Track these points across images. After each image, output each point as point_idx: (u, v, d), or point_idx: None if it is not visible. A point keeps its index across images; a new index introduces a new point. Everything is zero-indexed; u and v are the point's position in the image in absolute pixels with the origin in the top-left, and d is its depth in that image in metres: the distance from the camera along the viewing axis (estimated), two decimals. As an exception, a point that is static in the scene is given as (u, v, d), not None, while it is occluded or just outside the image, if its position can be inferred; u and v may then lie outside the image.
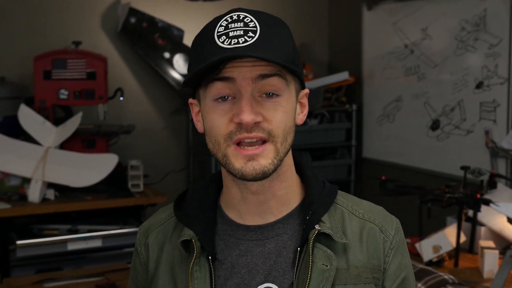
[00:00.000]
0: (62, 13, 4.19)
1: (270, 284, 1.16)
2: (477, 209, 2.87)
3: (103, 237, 3.54)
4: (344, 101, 4.63)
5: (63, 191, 3.65)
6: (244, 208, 1.20)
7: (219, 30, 1.10)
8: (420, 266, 1.84)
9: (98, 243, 3.53)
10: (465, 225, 3.05)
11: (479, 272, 2.80)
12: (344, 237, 1.18)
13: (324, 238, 1.17)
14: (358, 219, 1.22)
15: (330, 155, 4.68)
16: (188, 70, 1.18)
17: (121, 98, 4.04)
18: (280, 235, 1.19)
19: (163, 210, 1.31)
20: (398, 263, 1.21)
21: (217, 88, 1.11)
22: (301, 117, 1.20)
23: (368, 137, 4.62)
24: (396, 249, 1.21)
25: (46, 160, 3.53)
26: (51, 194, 3.59)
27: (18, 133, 3.66)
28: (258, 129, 1.09)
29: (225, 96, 1.11)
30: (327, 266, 1.14)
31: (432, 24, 4.02)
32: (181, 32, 4.49)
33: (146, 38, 4.34)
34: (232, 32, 1.09)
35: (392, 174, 4.00)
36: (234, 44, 1.07)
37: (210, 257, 1.18)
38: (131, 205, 3.73)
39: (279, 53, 1.09)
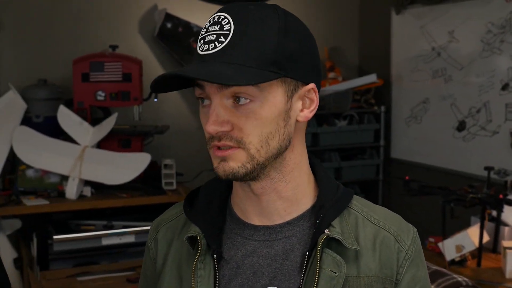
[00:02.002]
0: (101, 18, 4.18)
1: None
2: (499, 209, 2.75)
3: (136, 233, 3.50)
4: (373, 102, 4.52)
5: (99, 188, 3.62)
6: (248, 208, 1.12)
7: (202, 33, 1.04)
8: (434, 267, 1.74)
9: (131, 239, 3.50)
10: (489, 225, 2.93)
11: (501, 272, 2.69)
12: (356, 243, 1.08)
13: (335, 243, 1.07)
14: (372, 225, 1.12)
15: (359, 155, 4.58)
16: None
17: (156, 100, 4.00)
18: (289, 238, 1.10)
19: (175, 206, 1.25)
20: (412, 275, 1.10)
21: (197, 92, 1.06)
22: (305, 114, 1.08)
23: (396, 137, 4.50)
24: (411, 260, 1.11)
25: (83, 158, 3.51)
26: (87, 191, 3.57)
27: (57, 133, 3.65)
28: (226, 137, 1.02)
29: (203, 99, 1.06)
30: (335, 273, 1.05)
31: (459, 27, 3.89)
32: (215, 36, 4.43)
33: (182, 42, 4.30)
34: (208, 36, 1.02)
35: (419, 174, 3.89)
36: (205, 50, 1.01)
37: (215, 256, 1.10)
38: (164, 202, 3.68)
39: (251, 56, 1.00)
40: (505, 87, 3.58)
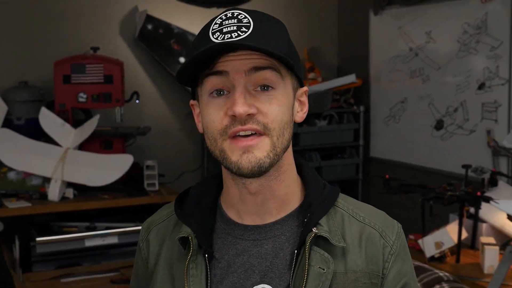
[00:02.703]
0: (81, 20, 4.17)
1: (265, 285, 1.10)
2: (477, 207, 2.79)
3: (119, 234, 3.50)
4: (352, 102, 4.56)
5: (81, 190, 3.61)
6: (243, 208, 1.13)
7: (213, 27, 1.05)
8: (416, 263, 1.77)
9: (114, 240, 3.50)
10: (467, 221, 2.97)
11: (480, 267, 2.73)
12: (343, 240, 1.10)
13: (322, 241, 1.09)
14: (358, 222, 1.14)
15: (339, 155, 4.61)
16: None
17: (137, 101, 4.00)
18: (278, 236, 1.12)
19: (166, 207, 1.26)
20: (398, 269, 1.13)
21: (212, 82, 1.05)
22: (300, 115, 1.13)
23: (375, 137, 4.54)
24: (396, 254, 1.13)
25: (65, 160, 3.50)
26: (70, 193, 3.56)
27: (39, 134, 3.64)
28: (252, 121, 1.03)
29: (220, 91, 1.05)
30: (324, 269, 1.07)
31: (436, 28, 3.94)
32: (195, 38, 4.44)
33: (162, 44, 4.30)
34: (226, 28, 1.04)
35: (398, 173, 3.92)
36: (227, 39, 1.02)
37: (206, 255, 1.11)
38: (146, 203, 3.68)
39: (272, 46, 1.03)
40: (481, 86, 3.64)
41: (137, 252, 1.26)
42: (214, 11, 4.54)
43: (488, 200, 2.72)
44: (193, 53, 1.04)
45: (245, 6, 4.61)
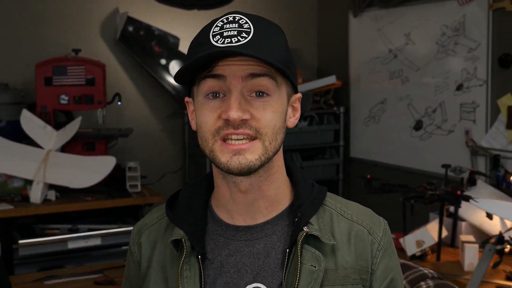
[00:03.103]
0: (62, 22, 4.15)
1: (259, 284, 1.12)
2: (457, 205, 2.84)
3: (102, 235, 3.50)
4: (332, 103, 4.60)
5: (63, 192, 3.60)
6: (233, 208, 1.15)
7: (214, 30, 1.07)
8: (401, 261, 1.80)
9: (97, 242, 3.50)
10: (447, 220, 3.02)
11: (460, 265, 2.77)
12: (333, 238, 1.13)
13: (313, 239, 1.12)
14: (346, 220, 1.17)
15: (319, 155, 4.65)
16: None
17: (119, 103, 4.00)
18: (269, 236, 1.14)
19: (156, 210, 1.27)
20: (385, 264, 1.16)
21: (208, 85, 1.07)
22: (292, 121, 1.15)
23: (355, 137, 4.59)
24: (384, 250, 1.16)
25: (47, 162, 3.49)
26: (52, 195, 3.55)
27: (20, 137, 3.62)
28: (245, 126, 1.05)
29: (216, 94, 1.07)
30: (315, 267, 1.10)
31: (415, 30, 3.99)
32: (176, 39, 4.45)
33: (143, 46, 4.31)
34: (226, 32, 1.05)
35: (378, 173, 3.97)
36: (227, 43, 1.04)
37: (199, 257, 1.13)
38: (129, 205, 3.69)
39: (271, 54, 1.05)
40: (459, 87, 3.70)
41: (129, 256, 1.27)
42: (194, 13, 4.55)
43: (467, 199, 2.77)
44: (193, 55, 1.06)
45: (226, 7, 4.63)
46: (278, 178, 1.15)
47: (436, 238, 2.87)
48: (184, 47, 4.46)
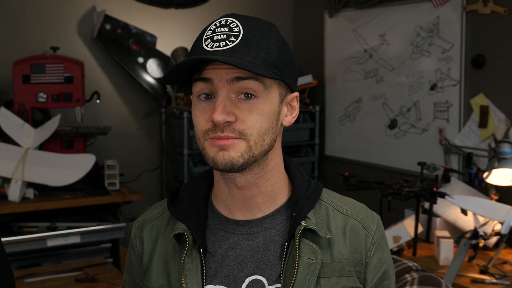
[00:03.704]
0: (40, 20, 4.14)
1: (258, 276, 1.16)
2: (433, 202, 2.91)
3: (81, 233, 3.51)
4: (308, 102, 4.66)
5: (42, 190, 3.60)
6: (232, 203, 1.19)
7: (207, 34, 1.11)
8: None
9: (77, 239, 3.50)
10: (422, 216, 3.10)
11: (435, 260, 2.85)
12: (329, 232, 1.18)
13: (310, 233, 1.17)
14: (342, 215, 1.22)
15: (295, 153, 4.71)
16: None
17: (98, 101, 4.00)
18: (268, 230, 1.19)
19: (157, 205, 1.31)
20: (379, 257, 1.21)
21: (199, 87, 1.12)
22: (289, 119, 1.19)
23: (331, 136, 4.65)
24: (377, 244, 1.22)
25: (25, 160, 3.48)
26: (30, 193, 3.54)
27: (-2, 135, 3.61)
28: (229, 128, 1.09)
29: (207, 95, 1.12)
30: (312, 259, 1.14)
31: (389, 31, 4.07)
32: (154, 38, 4.47)
33: (121, 44, 4.31)
34: (217, 36, 1.10)
35: (353, 171, 4.04)
36: (215, 47, 1.09)
37: (201, 250, 1.18)
38: (108, 202, 3.70)
39: (258, 58, 1.09)
40: (433, 87, 3.78)
41: (130, 250, 1.30)
42: (171, 12, 4.57)
43: (443, 195, 2.85)
44: (189, 57, 1.11)
45: (203, 6, 4.66)
46: (275, 175, 1.19)
47: (412, 234, 2.94)
48: (161, 46, 4.48)
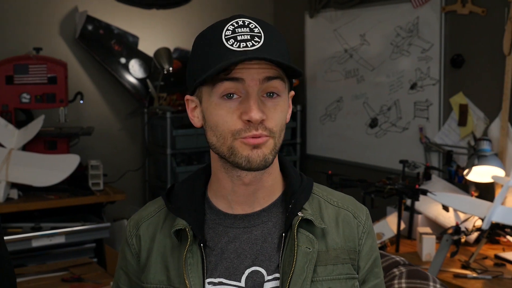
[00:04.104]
0: (22, 20, 4.12)
1: (257, 268, 1.20)
2: (415, 199, 2.97)
3: (66, 233, 3.50)
4: (289, 102, 4.68)
5: (26, 190, 3.60)
6: (234, 198, 1.23)
7: (226, 33, 1.13)
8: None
9: (61, 240, 3.50)
10: (404, 214, 3.14)
11: (418, 256, 2.90)
12: (323, 222, 1.23)
13: (306, 224, 1.21)
14: (333, 207, 1.27)
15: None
16: (193, 67, 1.19)
17: (81, 101, 4.00)
18: (265, 223, 1.23)
19: (152, 204, 1.33)
20: (370, 245, 1.27)
21: (226, 86, 1.13)
22: (288, 117, 1.24)
23: (312, 135, 4.70)
24: (367, 232, 1.27)
25: (9, 161, 3.47)
26: (14, 193, 3.53)
27: (-19, 136, 3.59)
28: (262, 127, 1.13)
29: (231, 95, 1.14)
30: (310, 248, 1.19)
31: (370, 31, 4.12)
32: (136, 38, 4.47)
33: (103, 45, 4.31)
34: (240, 36, 1.13)
35: (335, 169, 4.07)
36: (243, 47, 1.11)
37: (201, 245, 1.21)
38: (92, 202, 3.70)
39: (282, 57, 1.14)
40: (413, 86, 3.84)
41: (125, 248, 1.32)
42: (153, 12, 4.58)
43: (425, 192, 2.90)
44: (209, 57, 1.13)
45: (185, 7, 4.68)
46: (275, 170, 1.25)
47: (395, 231, 2.99)
48: (143, 46, 4.49)
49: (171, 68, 4.29)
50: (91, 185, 3.79)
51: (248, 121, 1.12)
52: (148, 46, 4.49)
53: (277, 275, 1.19)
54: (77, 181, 3.82)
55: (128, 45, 4.42)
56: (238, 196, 1.22)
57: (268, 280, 1.19)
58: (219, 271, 1.20)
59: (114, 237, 3.81)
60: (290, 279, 1.16)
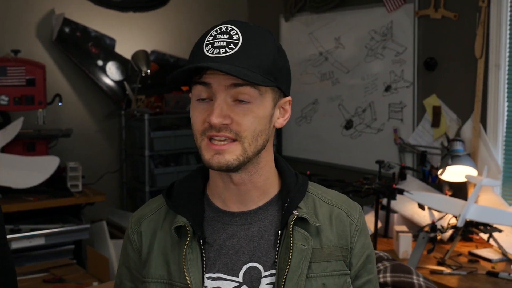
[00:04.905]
0: (-1, 23, 4.11)
1: (254, 264, 1.25)
2: (392, 198, 3.03)
3: (46, 235, 3.50)
4: (265, 104, 4.73)
5: (5, 192, 3.58)
6: (227, 197, 1.27)
7: (208, 39, 1.19)
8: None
9: (41, 241, 3.50)
10: (380, 213, 3.21)
11: (395, 253, 2.97)
12: (317, 220, 1.27)
13: (301, 222, 1.25)
14: (327, 205, 1.32)
15: (253, 154, 4.77)
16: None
17: (60, 103, 4.00)
18: (262, 220, 1.27)
19: (152, 201, 1.37)
20: (362, 242, 1.31)
21: (198, 90, 1.20)
22: (281, 122, 1.27)
23: (288, 137, 4.75)
24: (360, 230, 1.32)
25: (-12, 163, 3.46)
26: (-7, 195, 3.52)
27: (-41, 138, 3.57)
28: (226, 129, 1.17)
29: (205, 98, 1.19)
30: (305, 246, 1.23)
31: (344, 34, 4.19)
32: (113, 41, 4.48)
33: (80, 47, 4.32)
34: (217, 42, 1.17)
35: (311, 170, 4.13)
36: (215, 53, 1.16)
37: (201, 241, 1.25)
38: (72, 204, 3.70)
39: (255, 65, 1.16)
40: (387, 88, 3.92)
41: (127, 245, 1.36)
42: (130, 15, 4.59)
43: (402, 192, 2.97)
44: (189, 61, 1.19)
45: (162, 10, 4.70)
46: (267, 171, 1.28)
47: (372, 229, 3.06)
48: (120, 48, 4.50)
49: (148, 71, 4.31)
50: (69, 186, 3.79)
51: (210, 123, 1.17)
52: (125, 49, 4.50)
53: (273, 271, 1.24)
54: (55, 183, 3.81)
55: (105, 48, 4.42)
56: (230, 194, 1.27)
57: (265, 276, 1.24)
58: (218, 266, 1.24)
59: (93, 238, 3.81)
60: (286, 275, 1.21)
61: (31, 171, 3.53)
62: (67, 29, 4.26)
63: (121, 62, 4.47)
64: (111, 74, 4.41)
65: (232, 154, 1.18)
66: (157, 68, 4.57)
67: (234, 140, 1.18)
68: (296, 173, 1.35)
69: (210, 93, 1.18)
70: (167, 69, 4.67)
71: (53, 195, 3.66)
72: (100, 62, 4.38)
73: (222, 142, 1.18)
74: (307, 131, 4.56)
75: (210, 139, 1.18)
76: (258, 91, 1.19)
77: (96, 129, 4.51)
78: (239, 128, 1.18)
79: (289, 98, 1.29)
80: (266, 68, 1.18)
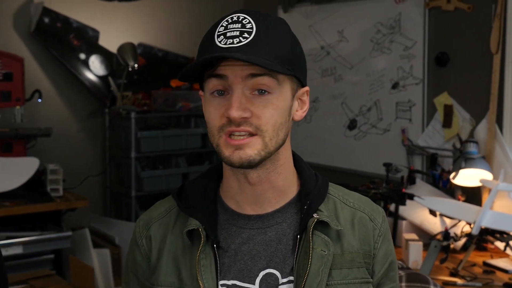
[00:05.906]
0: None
1: (271, 270, 1.25)
2: (402, 203, 3.05)
3: (23, 243, 3.49)
4: (262, 102, 4.73)
5: (-21, 197, 3.57)
6: (242, 198, 1.27)
7: (219, 30, 1.19)
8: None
9: (19, 250, 3.48)
10: (387, 219, 3.22)
11: (404, 263, 2.96)
12: (339, 224, 1.28)
13: (321, 225, 1.26)
14: (349, 208, 1.32)
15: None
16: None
17: (39, 100, 3.99)
18: (280, 224, 1.27)
19: (161, 204, 1.38)
20: (385, 249, 1.32)
21: (213, 83, 1.20)
22: (300, 114, 1.29)
23: (286, 137, 4.74)
24: (383, 236, 1.32)
25: (-39, 165, 3.45)
26: (-33, 200, 3.50)
27: None
28: (246, 123, 1.18)
29: (221, 92, 1.20)
30: (325, 251, 1.23)
31: (348, 27, 4.20)
32: (96, 33, 4.48)
33: (61, 39, 4.31)
34: (230, 32, 1.18)
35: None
36: (229, 44, 1.17)
37: (215, 246, 1.25)
38: (52, 210, 3.69)
39: (272, 54, 1.17)
40: (395, 86, 3.93)
41: (134, 249, 1.36)
42: (115, 5, 4.59)
43: (412, 197, 2.99)
44: (199, 53, 1.20)
45: (147, 1, 4.70)
46: (286, 169, 1.28)
47: (379, 237, 3.07)
48: (104, 41, 4.49)
49: (136, 65, 4.31)
50: (49, 191, 3.78)
51: (229, 118, 1.18)
52: (109, 41, 4.50)
53: (291, 278, 1.24)
54: (33, 186, 3.80)
55: (88, 40, 4.42)
56: (246, 196, 1.27)
57: (283, 283, 1.24)
58: (233, 273, 1.25)
59: (75, 247, 3.80)
60: (304, 283, 1.21)
61: (8, 173, 3.52)
62: (46, 20, 4.25)
63: (105, 55, 4.47)
64: (95, 68, 4.40)
65: (253, 148, 1.19)
66: (144, 63, 4.57)
67: (253, 135, 1.19)
68: (315, 173, 1.35)
69: (227, 85, 1.19)
70: (155, 64, 4.67)
71: (31, 200, 3.64)
72: (82, 56, 4.37)
73: (242, 137, 1.18)
74: (306, 132, 4.56)
75: (230, 135, 1.19)
76: (277, 81, 1.19)
77: (78, 129, 4.50)
78: (260, 121, 1.18)
79: (307, 88, 1.30)
80: (283, 57, 1.19)
